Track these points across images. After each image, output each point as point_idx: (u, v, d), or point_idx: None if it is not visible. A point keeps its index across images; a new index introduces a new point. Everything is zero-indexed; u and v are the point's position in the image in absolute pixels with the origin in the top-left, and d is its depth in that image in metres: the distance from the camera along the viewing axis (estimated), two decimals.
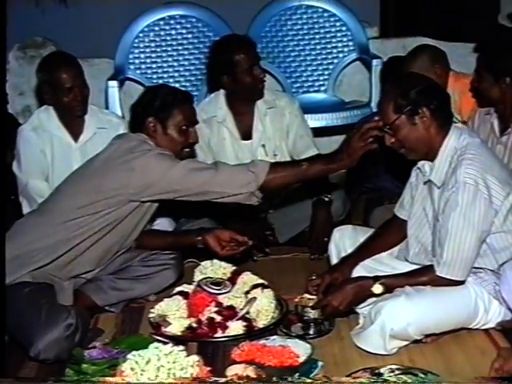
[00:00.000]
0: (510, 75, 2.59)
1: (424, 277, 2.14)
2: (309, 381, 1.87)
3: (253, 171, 2.28)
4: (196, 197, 2.31)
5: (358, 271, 2.30)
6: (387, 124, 2.14)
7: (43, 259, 2.29)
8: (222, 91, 2.97)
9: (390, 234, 2.39)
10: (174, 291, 2.41)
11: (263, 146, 2.99)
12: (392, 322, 2.06)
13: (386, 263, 2.33)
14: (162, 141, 2.36)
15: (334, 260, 2.43)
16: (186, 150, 2.41)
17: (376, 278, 2.16)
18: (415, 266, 2.25)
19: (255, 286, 2.39)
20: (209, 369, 1.93)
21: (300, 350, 2.08)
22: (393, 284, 2.15)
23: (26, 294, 2.20)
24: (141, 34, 3.78)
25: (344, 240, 2.42)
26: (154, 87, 2.54)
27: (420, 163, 2.23)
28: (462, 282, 2.13)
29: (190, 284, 2.45)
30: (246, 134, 3.00)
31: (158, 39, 3.80)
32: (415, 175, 2.32)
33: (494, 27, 3.85)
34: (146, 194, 2.30)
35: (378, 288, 2.15)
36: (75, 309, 2.22)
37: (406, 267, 2.26)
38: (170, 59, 3.82)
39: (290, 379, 1.88)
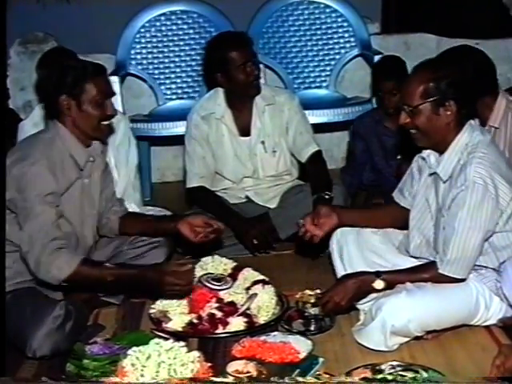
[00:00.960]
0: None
1: (426, 273, 2.15)
2: (312, 380, 1.87)
3: (60, 267, 2.13)
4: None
5: (359, 264, 2.30)
6: (409, 105, 2.11)
7: (15, 275, 2.24)
8: (220, 88, 2.97)
9: (386, 214, 2.41)
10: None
11: (262, 142, 2.99)
12: (393, 318, 2.07)
13: (386, 257, 2.34)
14: (78, 117, 2.27)
15: (336, 256, 2.42)
16: (104, 123, 2.32)
17: (377, 274, 2.17)
18: (416, 262, 2.26)
19: (256, 282, 2.41)
20: (209, 365, 1.93)
21: (301, 346, 2.09)
22: (394, 280, 2.16)
23: (9, 301, 2.18)
24: (142, 30, 3.77)
25: (345, 236, 2.41)
26: (60, 64, 2.35)
27: (425, 153, 2.21)
28: (463, 280, 2.14)
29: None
30: (245, 131, 2.99)
31: (159, 34, 3.80)
32: (417, 165, 2.31)
33: (496, 19, 3.84)
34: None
35: (379, 284, 2.15)
36: (64, 301, 2.21)
37: (406, 262, 2.27)
38: (171, 54, 3.81)
39: (290, 379, 1.88)
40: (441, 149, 2.16)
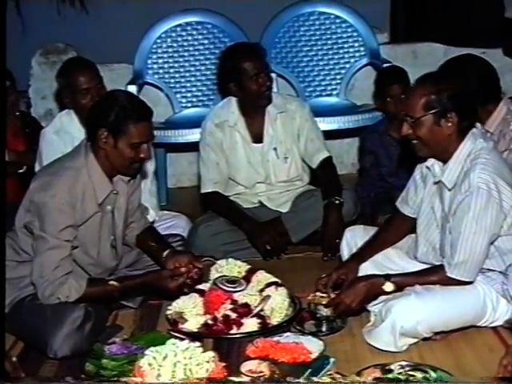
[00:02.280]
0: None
1: (434, 276, 2.16)
2: (327, 380, 1.89)
3: (67, 295, 2.19)
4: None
5: (368, 267, 2.33)
6: (412, 117, 2.13)
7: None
8: (234, 96, 3.01)
9: (394, 229, 2.41)
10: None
11: (275, 149, 3.03)
12: (402, 320, 2.09)
13: (395, 261, 2.36)
14: (111, 153, 2.23)
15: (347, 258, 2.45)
16: (135, 164, 2.29)
17: (387, 277, 2.19)
18: (424, 266, 2.28)
19: (269, 285, 2.42)
20: (224, 364, 1.96)
21: (313, 346, 2.11)
22: (403, 282, 2.18)
23: (28, 304, 2.24)
24: (158, 40, 3.83)
25: (355, 239, 2.45)
26: (113, 95, 2.29)
27: (429, 163, 2.23)
28: (470, 283, 2.16)
29: (206, 282, 2.47)
30: (258, 138, 3.03)
31: (175, 45, 3.85)
32: (420, 173, 2.32)
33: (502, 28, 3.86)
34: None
35: (389, 286, 2.18)
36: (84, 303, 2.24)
37: (415, 266, 2.29)
38: (186, 64, 3.87)
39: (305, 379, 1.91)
40: (443, 158, 2.18)
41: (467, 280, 2.15)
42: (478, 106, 2.31)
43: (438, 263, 2.23)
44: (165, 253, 2.44)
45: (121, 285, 2.30)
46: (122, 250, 2.47)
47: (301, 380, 1.88)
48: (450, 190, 2.19)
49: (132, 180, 2.41)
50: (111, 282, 2.29)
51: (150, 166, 2.98)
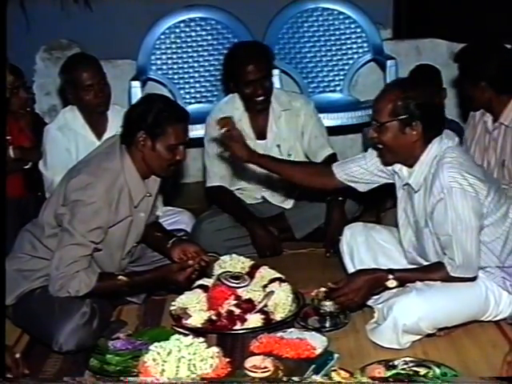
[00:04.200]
0: (485, 79, 2.59)
1: (437, 273, 2.17)
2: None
3: (78, 289, 2.20)
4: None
5: (369, 266, 2.33)
6: (378, 121, 2.14)
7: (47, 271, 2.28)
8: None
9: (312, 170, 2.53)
10: (195, 285, 2.45)
11: (278, 146, 3.03)
12: (404, 317, 2.09)
13: (395, 259, 2.38)
14: (148, 156, 2.26)
15: (346, 257, 2.47)
16: (172, 167, 2.32)
17: (391, 272, 2.19)
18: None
19: (273, 280, 2.43)
20: (228, 360, 1.97)
21: (316, 342, 2.12)
22: (406, 278, 2.19)
23: (37, 296, 2.25)
24: (162, 36, 3.82)
25: (355, 237, 2.45)
26: (150, 98, 2.33)
27: (397, 167, 2.24)
28: (474, 278, 2.17)
29: (209, 278, 2.48)
30: (261, 134, 3.04)
31: (178, 41, 3.84)
32: (390, 174, 2.33)
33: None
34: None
35: (392, 283, 2.18)
36: (90, 299, 2.25)
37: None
38: (190, 60, 3.87)
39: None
40: (409, 163, 2.19)
41: (471, 276, 2.16)
42: (494, 95, 2.31)
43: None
44: (170, 242, 2.45)
45: (130, 280, 2.31)
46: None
47: (308, 380, 1.88)
48: (416, 191, 2.19)
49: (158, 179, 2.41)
50: (120, 277, 2.30)
51: None
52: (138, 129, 2.24)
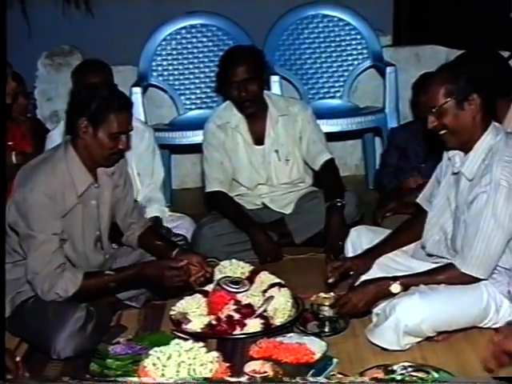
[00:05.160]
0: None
1: (442, 275, 2.17)
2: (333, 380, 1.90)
3: (65, 289, 2.20)
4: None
5: (373, 270, 2.33)
6: (435, 106, 2.13)
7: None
8: None
9: (414, 227, 2.39)
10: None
11: (276, 151, 3.04)
12: (406, 318, 2.09)
13: (400, 262, 2.37)
14: (90, 143, 2.23)
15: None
16: (115, 155, 2.29)
17: (395, 279, 2.19)
18: (430, 265, 2.27)
19: (272, 285, 2.42)
20: (228, 365, 1.96)
21: (315, 347, 2.11)
22: (411, 283, 2.18)
23: (30, 306, 2.24)
24: (163, 42, 3.85)
25: (361, 239, 2.46)
26: (93, 85, 2.34)
27: (451, 153, 2.23)
28: (484, 279, 2.15)
29: (209, 283, 2.46)
30: (259, 140, 3.05)
31: (179, 47, 3.87)
32: (440, 171, 2.33)
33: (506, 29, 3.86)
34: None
35: (396, 288, 2.18)
36: (86, 303, 2.25)
37: (421, 266, 2.28)
38: (191, 66, 3.89)
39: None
40: (467, 148, 2.18)
41: (481, 277, 2.14)
42: (496, 93, 2.29)
43: (447, 255, 2.23)
44: (174, 252, 2.44)
45: (117, 274, 2.29)
46: (108, 246, 2.47)
47: (298, 380, 1.87)
48: (470, 180, 2.18)
49: (117, 173, 2.40)
50: (107, 272, 2.30)
51: (160, 171, 3.06)
52: (81, 115, 2.22)
